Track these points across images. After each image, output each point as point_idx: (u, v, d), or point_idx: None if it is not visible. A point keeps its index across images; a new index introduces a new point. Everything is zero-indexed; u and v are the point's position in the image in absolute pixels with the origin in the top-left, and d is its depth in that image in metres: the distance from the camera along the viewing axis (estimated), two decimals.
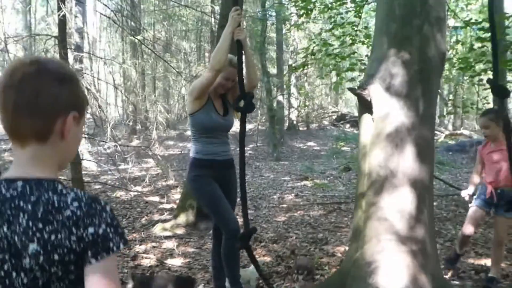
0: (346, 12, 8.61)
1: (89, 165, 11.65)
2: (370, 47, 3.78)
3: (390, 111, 2.92)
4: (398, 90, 2.91)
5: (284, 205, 7.74)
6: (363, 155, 3.09)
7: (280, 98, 18.53)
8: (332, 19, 8.61)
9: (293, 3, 9.15)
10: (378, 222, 2.92)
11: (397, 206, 2.89)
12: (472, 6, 16.55)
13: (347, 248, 4.68)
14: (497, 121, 3.74)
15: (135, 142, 18.14)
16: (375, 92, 2.95)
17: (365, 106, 3.03)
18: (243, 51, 3.17)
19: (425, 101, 2.92)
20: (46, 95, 1.04)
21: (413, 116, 2.89)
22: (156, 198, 8.13)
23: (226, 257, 3.50)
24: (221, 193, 3.50)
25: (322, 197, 8.48)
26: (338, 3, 8.21)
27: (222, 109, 3.62)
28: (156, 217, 6.75)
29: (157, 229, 5.93)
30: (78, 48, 12.55)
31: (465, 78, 13.78)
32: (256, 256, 4.95)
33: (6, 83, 1.04)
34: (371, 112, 3.00)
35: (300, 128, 23.91)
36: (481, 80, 8.05)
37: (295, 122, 23.20)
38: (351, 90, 3.08)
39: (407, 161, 2.89)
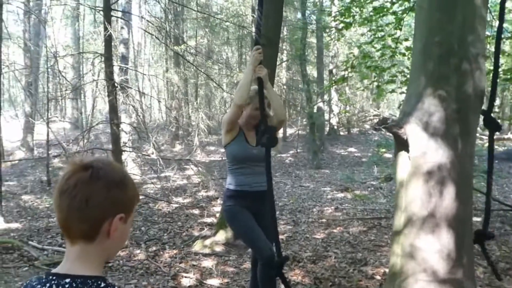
0: (386, 25, 8.50)
1: (132, 173, 11.97)
2: (410, 61, 3.72)
3: (427, 150, 2.90)
4: (435, 129, 2.88)
5: (324, 220, 7.73)
6: (400, 191, 3.08)
7: (320, 104, 18.45)
8: (372, 31, 8.53)
9: (333, 17, 9.12)
10: (415, 263, 2.91)
11: (435, 246, 2.87)
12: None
13: (386, 270, 4.65)
14: None
15: (177, 148, 18.52)
16: (412, 130, 2.94)
17: (402, 144, 3.02)
18: (264, 88, 3.31)
19: (463, 140, 2.89)
20: (96, 201, 1.14)
21: (451, 155, 2.86)
22: (196, 211, 8.28)
23: (263, 284, 3.58)
24: (254, 222, 3.59)
25: (362, 211, 8.42)
26: (378, 15, 8.12)
27: (255, 140, 3.70)
28: (197, 231, 6.89)
29: (197, 246, 6.06)
30: (124, 58, 12.91)
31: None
32: (294, 277, 5.00)
33: (62, 188, 1.15)
34: (407, 150, 2.99)
35: (341, 133, 23.74)
36: None
37: (335, 127, 23.03)
38: (387, 128, 3.07)
39: (446, 201, 2.87)
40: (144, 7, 17.83)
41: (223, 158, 16.21)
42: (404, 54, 8.55)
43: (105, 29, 7.03)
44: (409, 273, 2.93)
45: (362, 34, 14.30)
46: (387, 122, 3.17)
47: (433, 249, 2.88)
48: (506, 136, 19.98)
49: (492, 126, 2.93)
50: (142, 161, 12.20)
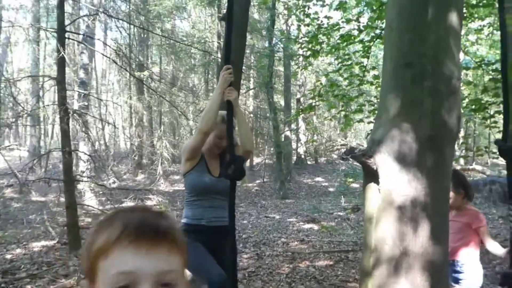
0: (354, 53, 8.38)
1: (91, 203, 11.38)
2: (379, 90, 3.49)
3: (399, 183, 2.60)
4: (407, 159, 2.59)
5: (289, 253, 7.37)
6: (369, 229, 2.76)
7: (287, 133, 18.27)
8: (340, 60, 8.38)
9: (299, 45, 8.96)
10: None
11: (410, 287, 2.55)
12: (483, 41, 16.31)
13: None
14: (457, 189, 3.46)
15: (140, 177, 17.94)
16: (382, 160, 2.64)
17: (371, 175, 2.72)
18: (234, 113, 2.94)
19: (438, 171, 2.61)
20: None
21: (425, 188, 2.57)
22: None
23: None
24: (206, 252, 3.15)
25: (328, 243, 8.10)
26: (345, 44, 7.99)
27: (217, 171, 3.34)
28: None
29: None
30: (83, 84, 12.47)
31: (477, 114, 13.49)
32: None
33: None
34: (377, 182, 2.69)
35: (308, 162, 23.60)
36: (495, 122, 7.73)
37: (303, 156, 22.89)
38: (355, 158, 2.78)
39: (420, 240, 2.56)
40: (108, 33, 17.48)
41: None
42: (371, 83, 8.43)
43: (58, 51, 6.63)
44: None
45: (330, 64, 14.29)
46: (355, 151, 2.87)
47: None
48: (471, 167, 20.22)
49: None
50: (100, 191, 11.63)
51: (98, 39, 13.46)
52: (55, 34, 7.25)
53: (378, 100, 3.13)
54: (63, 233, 7.79)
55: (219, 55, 15.51)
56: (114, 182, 10.37)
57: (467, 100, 7.93)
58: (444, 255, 2.67)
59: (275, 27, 16.49)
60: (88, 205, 10.08)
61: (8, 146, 21.00)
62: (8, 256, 6.92)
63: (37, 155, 14.38)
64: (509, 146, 2.51)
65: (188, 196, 3.34)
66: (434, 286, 2.58)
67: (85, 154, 8.91)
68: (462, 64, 11.23)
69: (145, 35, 17.65)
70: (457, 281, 3.54)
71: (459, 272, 3.52)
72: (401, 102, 2.68)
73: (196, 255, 3.09)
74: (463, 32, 12.05)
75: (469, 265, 3.50)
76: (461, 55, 13.56)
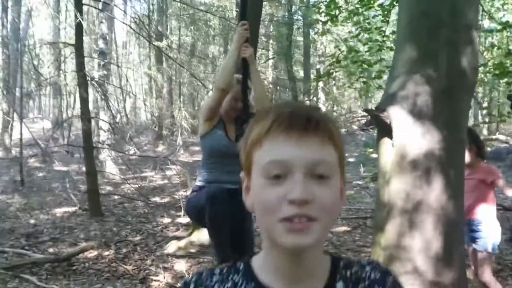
0: (373, 17, 8.19)
1: (110, 171, 11.54)
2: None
3: (413, 136, 2.55)
4: (422, 112, 2.53)
5: None
6: (382, 184, 2.73)
7: (307, 103, 18.13)
8: (359, 25, 8.21)
9: (318, 9, 8.80)
10: (399, 263, 2.56)
11: (422, 245, 2.52)
12: (510, 5, 15.78)
13: None
14: (469, 145, 3.22)
15: (160, 148, 18.08)
16: (396, 114, 2.58)
17: (384, 129, 2.67)
18: (249, 71, 2.91)
19: (454, 124, 2.55)
20: None
21: (440, 141, 2.52)
22: (173, 211, 7.88)
23: None
24: (225, 218, 3.08)
25: (347, 210, 8.08)
26: (365, 7, 7.81)
27: (234, 134, 3.30)
28: (171, 232, 6.50)
29: (171, 248, 5.67)
30: (103, 53, 12.48)
31: (501, 81, 13.17)
32: None
33: None
34: (391, 137, 2.64)
35: None
36: None
37: None
38: (368, 111, 2.73)
39: (433, 194, 2.52)
40: (128, 3, 17.41)
41: None
42: (391, 48, 8.24)
43: (76, 17, 6.63)
44: None
45: (350, 32, 14.02)
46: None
47: (419, 248, 2.53)
48: (494, 137, 19.86)
49: None
50: (121, 161, 11.77)
51: (116, 6, 13.38)
52: (73, 0, 7.25)
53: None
54: (84, 200, 7.93)
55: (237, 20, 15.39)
56: (134, 153, 10.44)
57: (490, 64, 7.71)
58: (459, 209, 2.63)
59: None
60: (109, 172, 10.21)
61: (32, 118, 21.35)
62: (32, 221, 7.08)
63: (59, 126, 14.62)
64: None
65: (205, 159, 3.33)
66: (449, 241, 2.55)
67: (105, 122, 8.98)
68: (487, 28, 10.92)
69: (164, 5, 17.55)
70: (474, 240, 3.49)
71: (476, 231, 3.47)
72: (416, 53, 2.61)
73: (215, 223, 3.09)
74: None
75: (486, 223, 3.44)
76: (486, 21, 13.15)
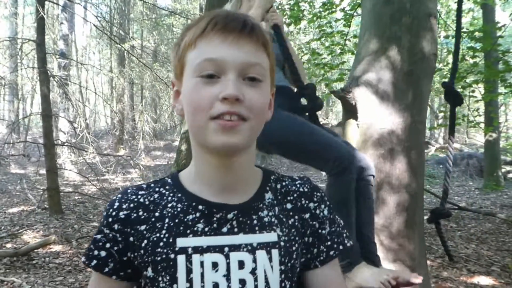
0: (336, 21, 8.41)
1: (70, 174, 11.31)
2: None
3: (377, 117, 2.66)
4: (385, 94, 2.66)
5: None
6: None
7: None
8: (321, 29, 8.41)
9: (282, 12, 8.96)
10: None
11: (384, 221, 2.63)
12: (463, 18, 16.47)
13: None
14: None
15: (121, 152, 17.82)
16: (361, 95, 2.70)
17: (350, 110, 2.78)
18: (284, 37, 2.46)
19: (415, 106, 2.67)
20: None
21: (402, 122, 2.64)
22: None
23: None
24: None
25: None
26: (327, 12, 8.01)
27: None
28: None
29: None
30: (63, 55, 12.26)
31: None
32: None
33: None
34: (356, 117, 2.75)
35: None
36: (472, 91, 7.87)
37: None
38: (334, 92, 2.83)
39: (396, 172, 2.64)
40: (89, 8, 17.17)
41: (169, 162, 15.73)
42: (353, 52, 8.47)
43: (37, 12, 6.52)
44: None
45: (312, 39, 14.27)
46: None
47: (381, 222, 2.63)
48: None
49: (454, 99, 2.73)
50: (81, 162, 11.55)
51: (79, 3, 13.17)
52: None
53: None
54: (43, 200, 7.76)
55: None
56: (96, 152, 10.27)
57: (447, 69, 8.03)
58: (420, 187, 2.75)
59: None
60: (69, 170, 10.01)
61: None
62: None
63: (16, 130, 14.22)
64: (454, 89, 2.72)
65: None
66: (411, 217, 2.66)
67: (67, 120, 8.80)
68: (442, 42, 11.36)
69: (126, 10, 17.38)
70: None
71: None
72: (380, 38, 2.74)
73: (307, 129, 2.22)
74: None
75: None
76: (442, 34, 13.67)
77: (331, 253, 0.96)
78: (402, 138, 2.64)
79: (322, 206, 0.97)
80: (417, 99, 2.69)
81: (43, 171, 9.02)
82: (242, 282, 0.84)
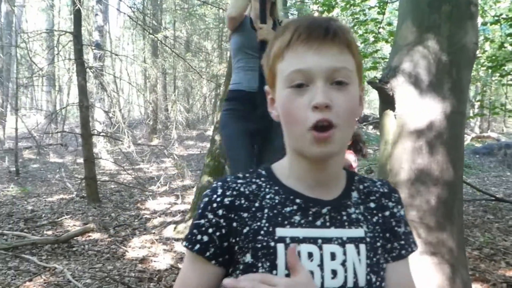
0: (369, 9, 8.27)
1: (106, 164, 11.55)
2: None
3: (415, 108, 2.62)
4: (424, 84, 2.61)
5: None
6: (384, 154, 2.81)
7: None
8: (355, 16, 8.28)
9: (314, 1, 8.87)
10: None
11: (422, 211, 2.60)
12: (502, 4, 15.95)
13: None
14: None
15: (155, 142, 18.08)
16: (399, 86, 2.66)
17: (387, 101, 2.74)
18: None
19: (455, 96, 2.62)
20: None
21: (442, 113, 2.59)
22: (171, 199, 7.93)
23: None
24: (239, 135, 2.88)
25: None
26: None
27: None
28: (169, 217, 6.55)
29: (169, 231, 5.73)
30: (98, 46, 12.47)
31: (493, 78, 13.29)
32: None
33: None
34: (393, 108, 2.71)
35: None
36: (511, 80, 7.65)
37: None
38: (372, 83, 2.80)
39: (434, 163, 2.60)
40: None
41: (202, 152, 15.87)
42: (387, 40, 8.33)
43: (74, 3, 6.65)
44: None
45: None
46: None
47: (420, 217, 2.60)
48: (486, 134, 20.06)
49: None
50: (117, 152, 11.79)
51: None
52: None
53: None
54: (81, 189, 7.96)
55: None
56: (129, 147, 10.47)
57: (484, 56, 7.81)
58: (459, 180, 2.70)
59: None
60: (105, 159, 10.23)
61: (26, 112, 21.23)
62: (29, 207, 7.10)
63: (54, 120, 14.59)
64: None
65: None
66: (450, 210, 2.62)
67: (103, 110, 9.00)
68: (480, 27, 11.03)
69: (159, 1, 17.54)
70: None
71: None
72: (418, 27, 2.68)
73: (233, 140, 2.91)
74: None
75: None
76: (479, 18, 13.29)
77: (403, 252, 1.01)
78: (441, 130, 2.60)
79: (399, 206, 1.03)
80: (457, 89, 2.64)
81: (80, 160, 9.26)
82: (334, 272, 0.89)
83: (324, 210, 0.93)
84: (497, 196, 7.96)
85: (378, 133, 19.26)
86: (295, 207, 0.93)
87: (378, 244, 0.96)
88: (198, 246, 0.93)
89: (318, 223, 0.92)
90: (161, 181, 9.22)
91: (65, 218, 6.35)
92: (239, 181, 0.97)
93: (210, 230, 0.93)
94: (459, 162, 2.72)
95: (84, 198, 7.51)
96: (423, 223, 2.60)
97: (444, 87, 2.61)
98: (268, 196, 0.95)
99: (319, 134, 0.86)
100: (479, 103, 10.51)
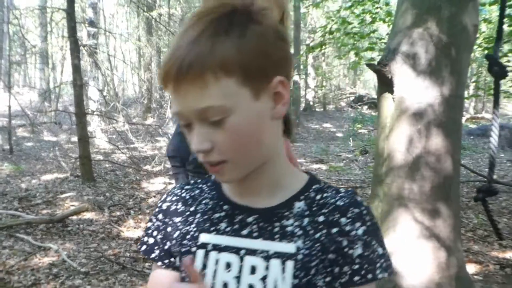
0: None
1: (101, 143, 11.50)
2: (391, 23, 3.45)
3: (413, 90, 2.61)
4: (423, 67, 2.59)
5: None
6: (382, 137, 2.80)
7: (296, 78, 18.13)
8: None
9: None
10: (397, 212, 2.64)
11: (419, 195, 2.60)
12: None
13: None
14: None
15: (149, 121, 18.00)
16: (397, 68, 2.63)
17: (385, 84, 2.72)
18: None
19: (454, 79, 2.60)
20: None
21: (440, 96, 2.58)
22: (165, 179, 7.92)
23: None
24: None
25: (337, 181, 8.19)
26: None
27: None
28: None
29: None
30: (92, 23, 12.30)
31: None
32: None
33: None
34: (391, 91, 2.69)
35: (317, 109, 23.55)
36: (508, 61, 7.61)
37: (311, 103, 22.82)
38: (370, 66, 2.77)
39: (432, 147, 2.59)
40: None
41: None
42: (384, 21, 8.26)
43: None
44: (390, 224, 2.66)
45: (341, 7, 14.00)
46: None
47: (416, 197, 2.61)
48: (480, 115, 20.13)
49: (499, 72, 2.59)
50: (111, 131, 11.73)
51: None
52: None
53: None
54: (75, 167, 7.92)
55: None
56: (123, 126, 10.41)
57: (481, 37, 7.76)
58: (456, 163, 2.70)
59: None
60: (99, 138, 10.17)
61: (19, 89, 21.03)
62: (23, 186, 7.07)
63: (47, 98, 14.48)
64: (499, 61, 2.59)
65: None
66: (446, 194, 2.63)
67: (97, 89, 8.91)
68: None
69: None
70: None
71: None
72: (418, 8, 2.65)
73: None
74: None
75: None
76: None
77: (356, 279, 0.85)
78: (439, 112, 2.58)
79: (358, 224, 0.86)
80: (456, 72, 2.62)
81: (74, 139, 9.20)
82: (251, 287, 0.83)
83: (250, 219, 0.87)
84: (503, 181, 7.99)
85: (373, 113, 19.30)
86: (223, 213, 0.89)
87: (314, 263, 0.84)
88: (144, 247, 0.95)
89: (245, 232, 0.86)
90: (156, 160, 9.19)
91: (60, 197, 6.33)
92: (186, 187, 0.97)
93: (154, 233, 0.94)
94: (457, 145, 2.71)
95: (79, 177, 7.48)
96: (419, 207, 2.60)
97: (443, 70, 2.59)
98: (204, 201, 0.93)
99: (210, 168, 0.82)
100: (474, 84, 10.49)
